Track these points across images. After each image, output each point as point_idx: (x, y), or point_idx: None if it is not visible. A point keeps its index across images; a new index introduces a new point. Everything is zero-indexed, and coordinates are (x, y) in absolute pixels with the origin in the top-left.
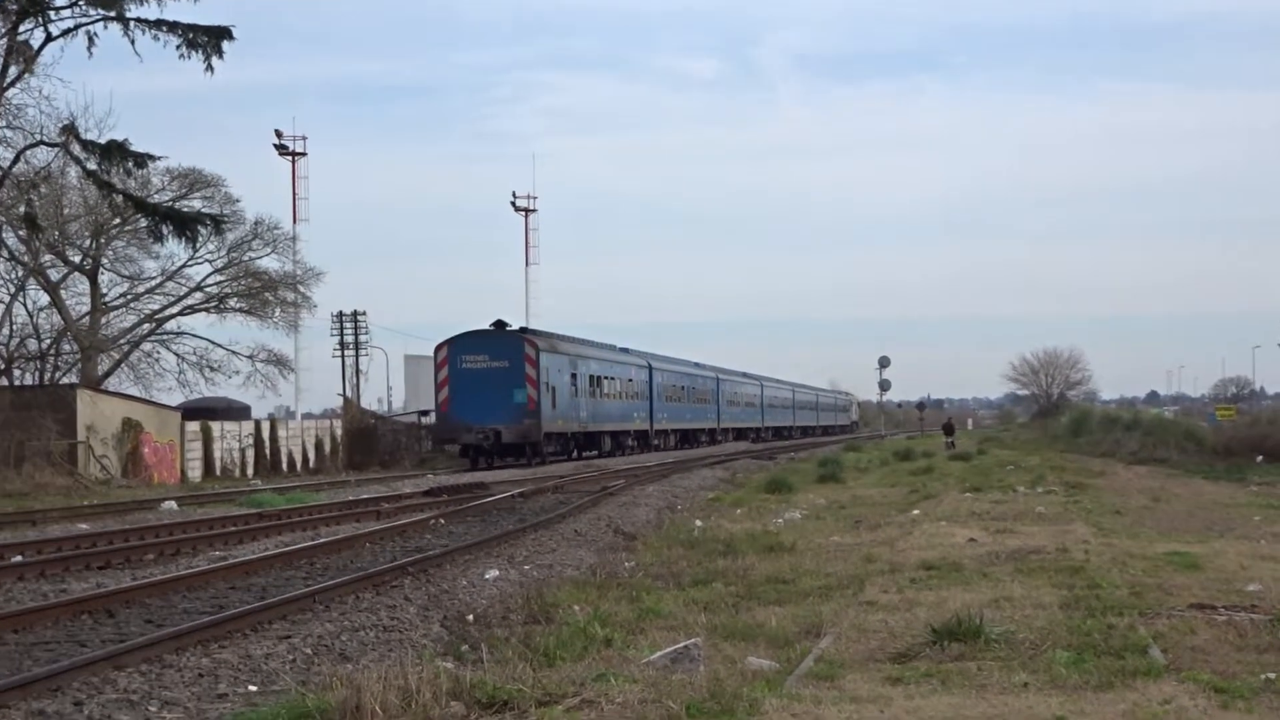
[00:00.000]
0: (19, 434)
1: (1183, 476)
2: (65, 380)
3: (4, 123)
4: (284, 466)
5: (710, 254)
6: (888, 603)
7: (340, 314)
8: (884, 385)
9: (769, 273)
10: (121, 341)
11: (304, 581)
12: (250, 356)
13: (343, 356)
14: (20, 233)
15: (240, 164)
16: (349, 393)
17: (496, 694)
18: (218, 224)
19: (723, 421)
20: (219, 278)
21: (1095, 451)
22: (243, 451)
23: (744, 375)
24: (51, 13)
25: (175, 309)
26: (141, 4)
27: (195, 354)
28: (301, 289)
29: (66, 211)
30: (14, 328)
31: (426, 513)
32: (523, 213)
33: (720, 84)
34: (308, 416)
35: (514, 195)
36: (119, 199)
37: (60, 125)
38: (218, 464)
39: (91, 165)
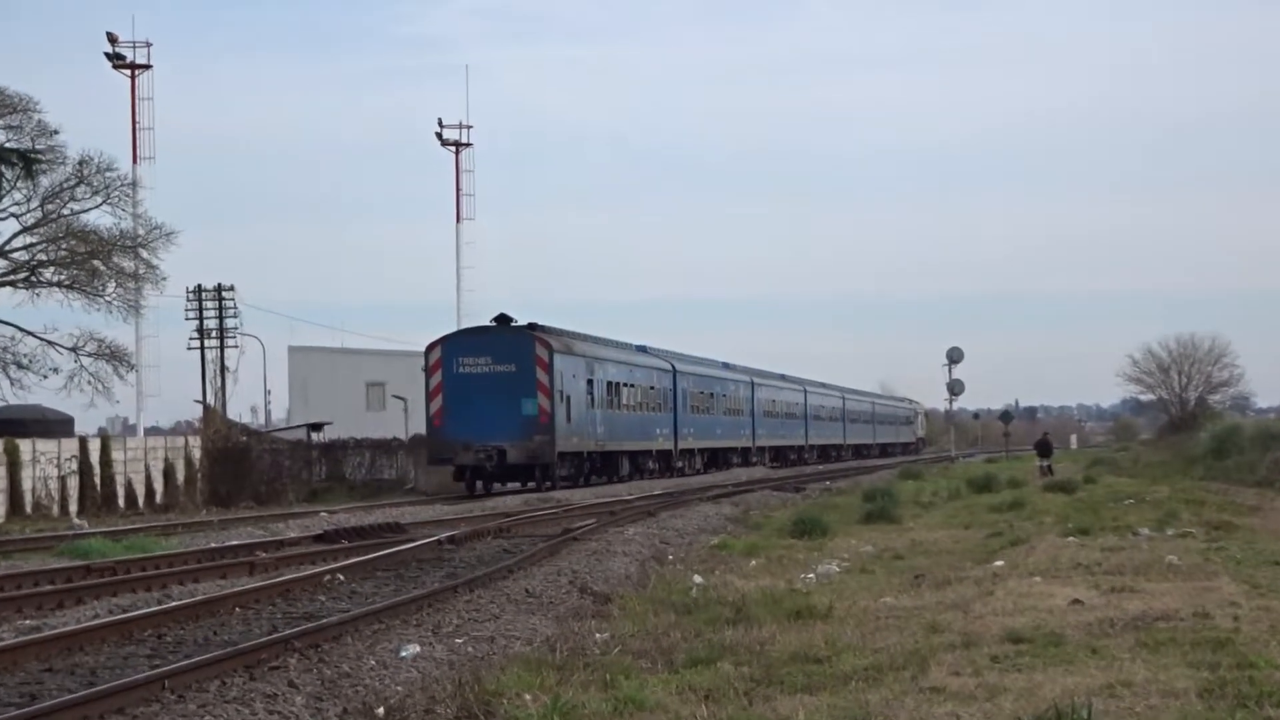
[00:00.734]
0: None
1: None
2: None
3: None
4: (120, 501)
5: (708, 208)
6: (960, 689)
7: (199, 290)
8: (954, 389)
9: (789, 234)
10: None
11: (149, 661)
12: (74, 349)
13: (202, 349)
14: None
15: (60, 81)
16: (211, 399)
17: None
18: (27, 163)
19: (759, 438)
20: (29, 239)
21: (1248, 479)
22: (63, 480)
23: (782, 378)
24: None
25: None
26: None
27: None
28: (145, 255)
29: None
30: None
31: (320, 565)
32: (452, 148)
33: None
34: (153, 432)
35: (440, 124)
36: None
37: None
38: (28, 498)
39: None
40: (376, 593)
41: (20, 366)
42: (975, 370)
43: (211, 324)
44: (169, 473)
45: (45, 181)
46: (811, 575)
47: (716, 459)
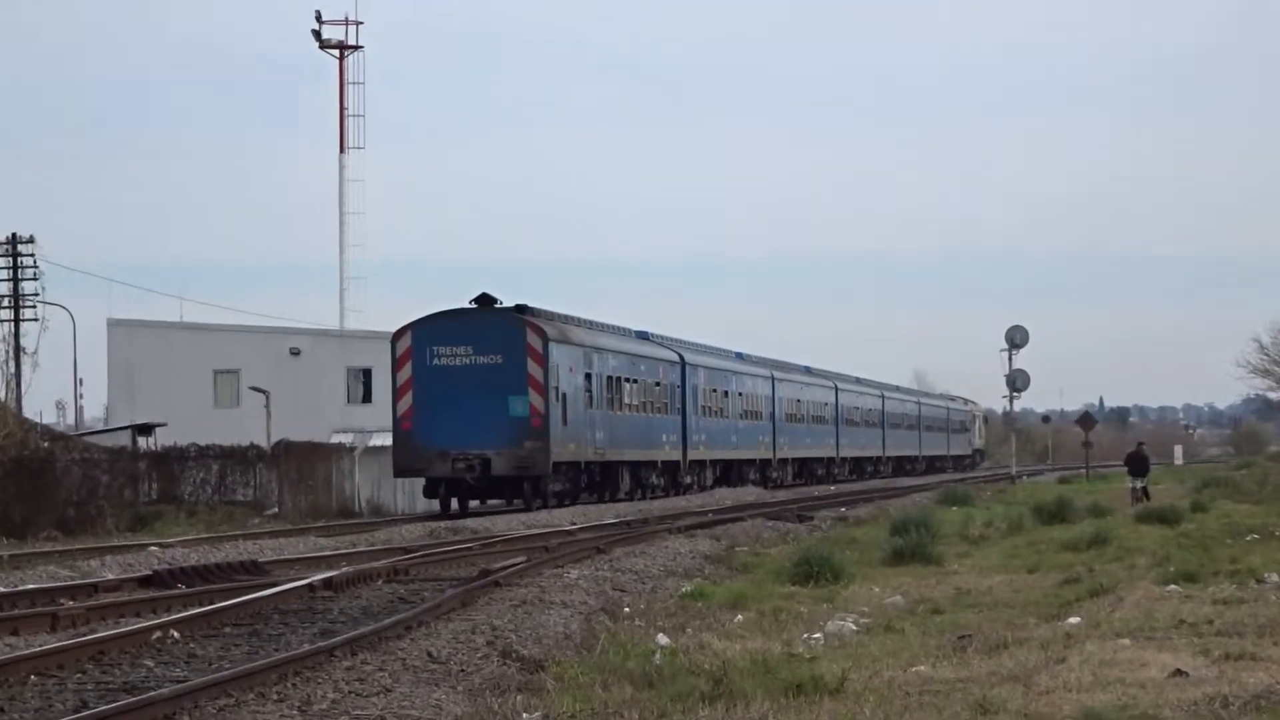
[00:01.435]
0: None
1: None
2: None
3: None
4: None
5: (675, 137)
6: None
7: None
8: (1015, 383)
9: (791, 170)
10: None
11: None
12: None
13: None
14: None
15: None
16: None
17: None
18: None
19: (781, 447)
20: None
21: None
22: None
23: (807, 372)
24: None
25: None
26: None
27: None
28: None
29: None
30: None
31: (147, 618)
32: (335, 51)
33: None
34: None
35: (319, 20)
36: None
37: None
38: None
39: None
40: (224, 656)
41: None
42: (1044, 359)
43: (1, 288)
44: None
45: None
46: (819, 635)
47: (730, 473)
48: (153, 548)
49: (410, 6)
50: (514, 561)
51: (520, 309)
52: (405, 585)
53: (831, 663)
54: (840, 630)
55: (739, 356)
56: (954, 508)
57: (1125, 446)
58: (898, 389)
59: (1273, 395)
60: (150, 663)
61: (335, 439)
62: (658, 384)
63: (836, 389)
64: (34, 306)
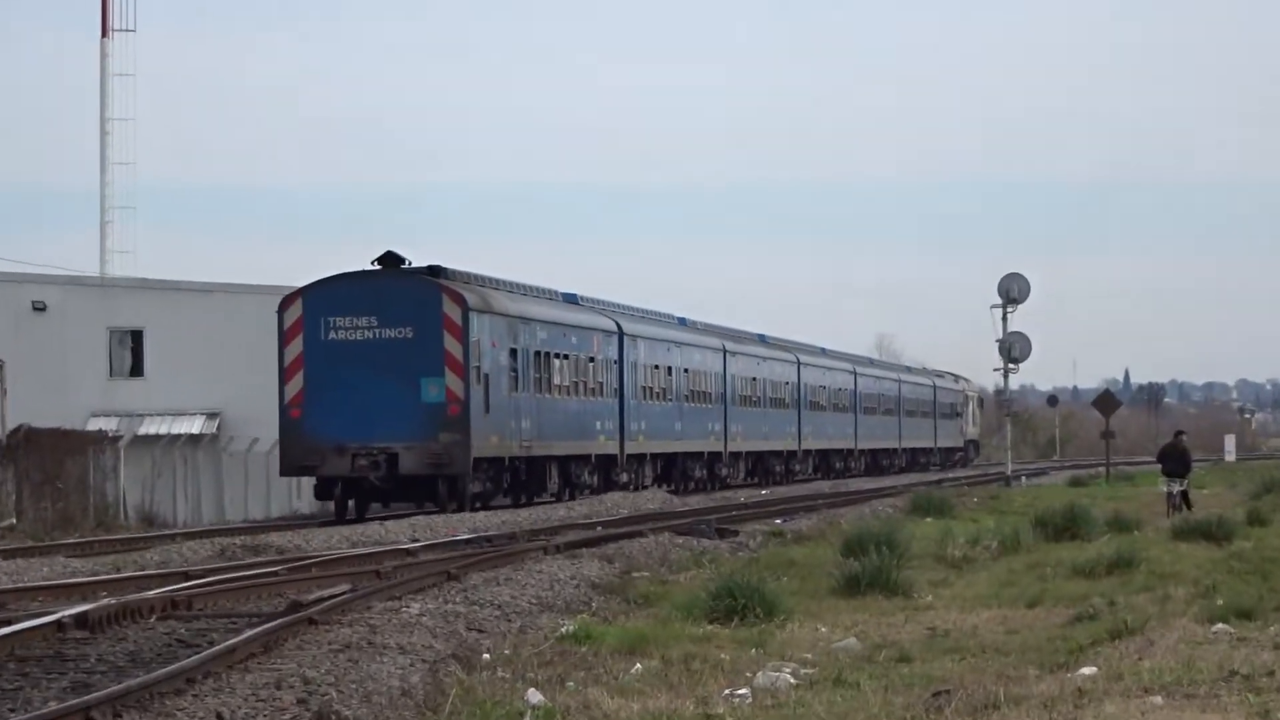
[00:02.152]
0: None
1: None
2: None
3: None
4: None
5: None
6: None
7: None
8: (1011, 351)
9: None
10: None
11: None
12: None
13: None
14: None
15: None
16: None
17: None
18: None
19: (733, 438)
20: None
21: None
22: None
23: (762, 342)
24: None
25: None
26: None
27: None
28: None
29: None
30: None
31: None
32: None
33: None
34: None
35: None
36: None
37: None
38: None
39: None
40: None
41: None
42: (1051, 320)
43: None
44: None
45: None
46: (745, 691)
47: (673, 469)
48: None
49: None
50: (335, 591)
51: (434, 270)
52: (187, 623)
53: None
54: (774, 684)
55: (682, 323)
56: (928, 519)
57: (1159, 437)
58: (872, 363)
59: None
60: None
61: (94, 425)
62: (591, 360)
63: (799, 363)
64: None
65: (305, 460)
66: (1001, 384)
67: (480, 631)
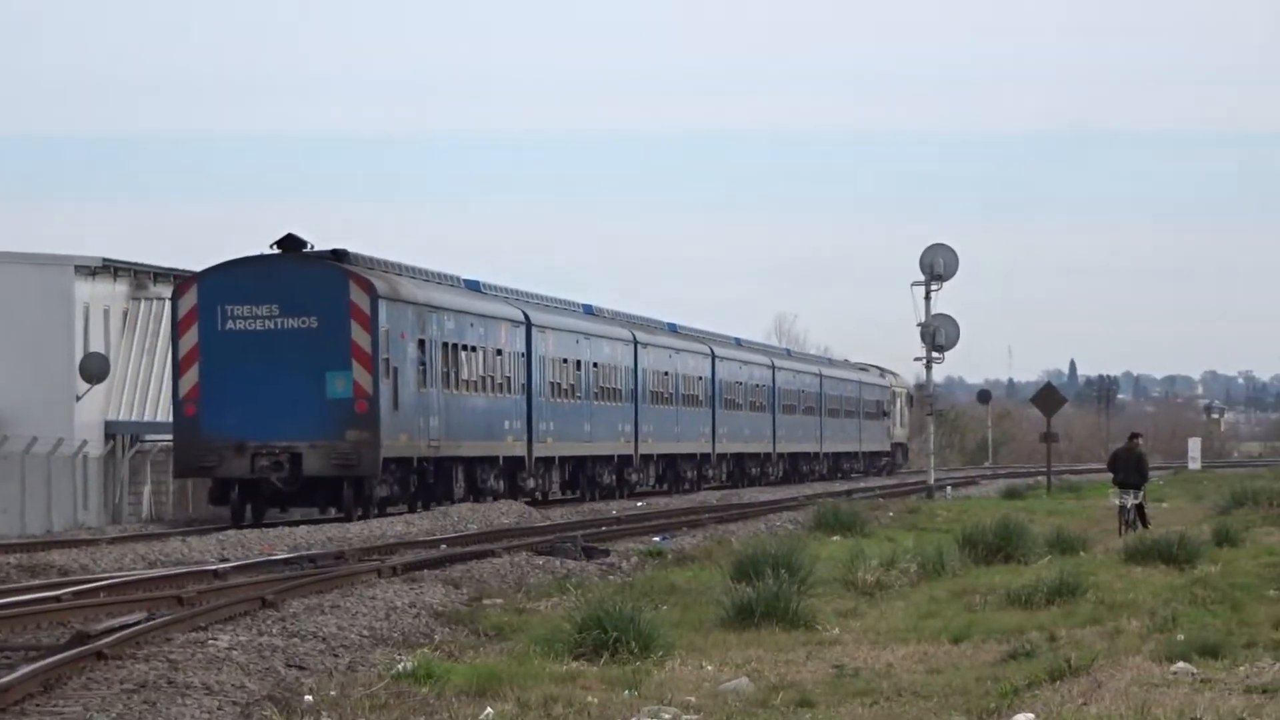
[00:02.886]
0: None
1: None
2: None
3: None
4: None
5: None
6: None
7: None
8: (934, 337)
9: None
10: None
11: None
12: None
13: None
14: None
15: None
16: None
17: None
18: None
19: (643, 439)
20: None
21: None
22: None
23: (673, 332)
24: None
25: None
26: None
27: None
28: None
29: None
30: None
31: None
32: None
33: None
34: None
35: None
36: None
37: None
38: None
39: None
40: None
41: None
42: (982, 302)
43: None
44: None
45: None
46: None
47: (581, 474)
48: None
49: None
50: (128, 620)
51: (338, 255)
52: None
53: None
54: None
55: (588, 311)
56: (835, 537)
57: (1110, 441)
58: (790, 355)
59: None
60: None
61: None
62: (499, 352)
63: (714, 356)
64: None
65: (201, 461)
66: (924, 376)
67: (301, 669)
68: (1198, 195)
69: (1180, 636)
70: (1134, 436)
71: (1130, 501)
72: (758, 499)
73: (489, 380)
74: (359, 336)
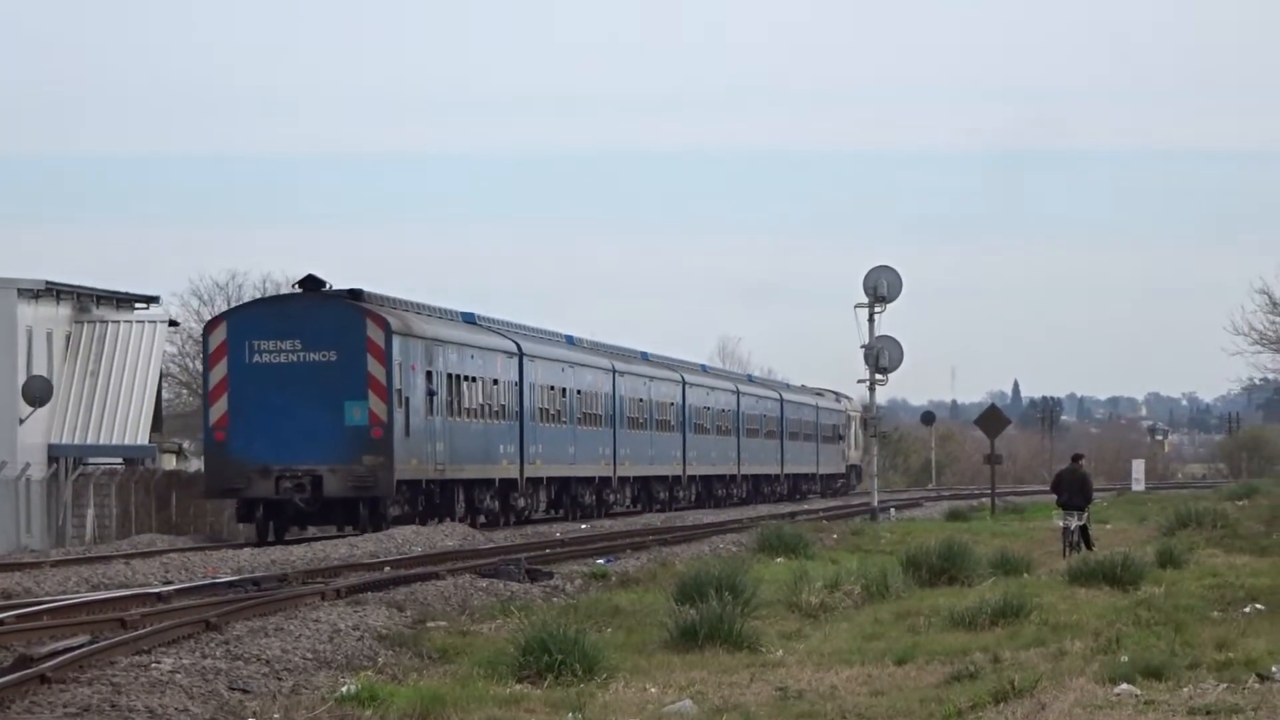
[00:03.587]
0: None
1: None
2: None
3: None
4: None
5: None
6: None
7: None
8: (878, 359)
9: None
10: None
11: None
12: None
13: None
14: None
15: None
16: None
17: None
18: None
19: (621, 462)
20: None
21: None
22: None
23: (645, 360)
24: None
25: None
26: None
27: None
28: None
29: None
30: None
31: None
32: None
33: None
34: None
35: None
36: None
37: None
38: None
39: None
40: None
41: None
42: (927, 323)
43: None
44: None
45: None
46: None
47: (565, 494)
48: None
49: None
50: (72, 644)
51: (355, 294)
52: None
53: None
54: None
55: (570, 341)
56: (779, 559)
57: (1054, 462)
58: (751, 380)
59: None
60: None
61: None
62: (495, 382)
63: (684, 383)
64: None
65: (230, 483)
66: (867, 398)
67: (245, 692)
68: (1141, 216)
69: (1124, 658)
70: (1077, 458)
71: (1074, 523)
72: (703, 520)
73: (487, 407)
74: (374, 369)
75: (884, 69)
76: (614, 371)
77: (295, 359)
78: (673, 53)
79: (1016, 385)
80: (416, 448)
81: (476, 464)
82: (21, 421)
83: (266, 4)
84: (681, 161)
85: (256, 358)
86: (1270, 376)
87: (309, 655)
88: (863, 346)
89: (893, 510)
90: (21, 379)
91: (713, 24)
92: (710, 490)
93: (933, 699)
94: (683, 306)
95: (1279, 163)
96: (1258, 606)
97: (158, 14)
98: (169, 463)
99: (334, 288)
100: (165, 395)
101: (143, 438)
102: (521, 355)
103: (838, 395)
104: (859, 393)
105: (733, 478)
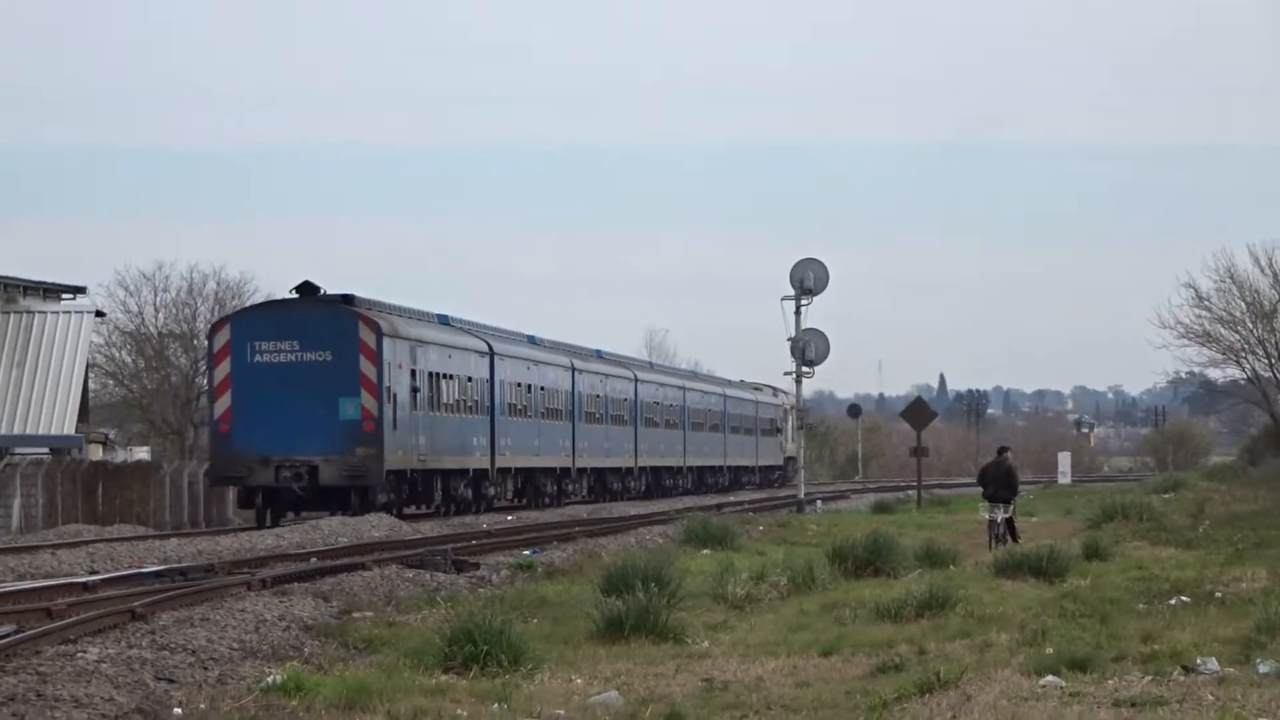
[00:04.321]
0: None
1: None
2: None
3: None
4: None
5: None
6: None
7: None
8: (805, 351)
9: None
10: None
11: None
12: None
13: None
14: None
15: None
16: None
17: None
18: None
19: (580, 454)
20: None
21: None
22: None
23: (600, 358)
24: None
25: None
26: None
27: None
28: None
29: None
30: None
31: None
32: None
33: None
34: None
35: None
36: None
37: None
38: None
39: None
40: None
41: None
42: (853, 316)
43: None
44: None
45: None
46: None
47: (533, 481)
48: None
49: None
50: None
51: (347, 299)
52: None
53: None
54: None
55: (532, 340)
56: (705, 551)
57: (980, 455)
58: (696, 376)
59: (1214, 372)
60: None
61: None
62: (470, 379)
63: (636, 380)
64: None
65: (233, 471)
66: (795, 391)
67: (171, 681)
68: (1067, 209)
69: (1049, 650)
70: (1003, 450)
71: (1000, 516)
72: (628, 512)
73: (463, 403)
74: (366, 368)
75: (810, 62)
76: (573, 369)
77: (294, 359)
78: (603, 48)
79: (943, 378)
80: (403, 440)
81: (453, 455)
82: None
83: None
84: (614, 156)
85: (258, 357)
86: (1196, 370)
87: (235, 645)
88: (789, 339)
89: (819, 503)
90: None
91: (647, 22)
92: (659, 481)
93: (858, 690)
94: (608, 299)
95: (1207, 158)
96: (1183, 599)
97: (80, 6)
98: (95, 453)
99: (327, 293)
100: (91, 386)
101: (69, 428)
102: (493, 354)
103: (775, 390)
104: (784, 383)
105: (679, 469)
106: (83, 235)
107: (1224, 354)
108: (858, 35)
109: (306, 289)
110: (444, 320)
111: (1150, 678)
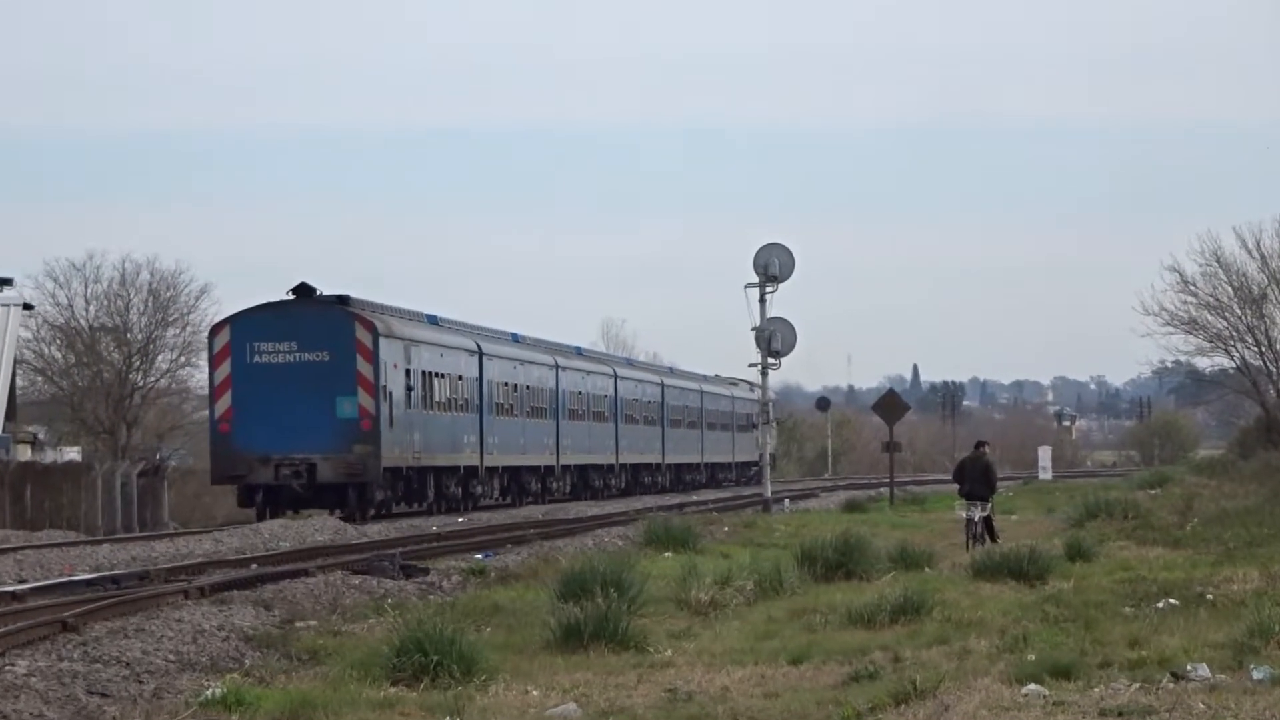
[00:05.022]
0: None
1: None
2: None
3: None
4: None
5: None
6: None
7: None
8: (770, 341)
9: None
10: None
11: None
12: None
13: None
14: None
15: None
16: None
17: None
18: None
19: (563, 451)
20: None
21: None
22: None
23: (579, 355)
24: None
25: None
26: None
27: None
28: None
29: None
30: None
31: None
32: None
33: None
34: None
35: None
36: None
37: None
38: None
39: None
40: None
41: None
42: (822, 306)
43: None
44: None
45: None
46: None
47: (518, 480)
48: None
49: None
50: None
51: (342, 300)
52: None
53: None
54: None
55: (516, 339)
56: (667, 554)
57: (956, 450)
58: (672, 371)
59: (1201, 362)
60: None
61: None
62: (460, 378)
63: (616, 376)
64: None
65: (234, 470)
66: (760, 384)
67: (104, 696)
68: (1047, 195)
69: (1031, 656)
70: (980, 445)
71: (977, 514)
72: (587, 513)
73: (453, 401)
74: (363, 367)
75: (780, 43)
76: (556, 367)
77: (292, 359)
78: (568, 27)
79: (916, 369)
80: (398, 438)
81: (445, 453)
82: None
83: None
84: (572, 142)
85: (257, 358)
86: (1182, 359)
87: (172, 657)
88: (754, 329)
89: (787, 501)
90: None
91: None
92: (637, 478)
93: (830, 701)
94: (560, 287)
95: (1190, 139)
96: (1171, 601)
97: None
98: (23, 453)
99: (323, 294)
100: (20, 383)
101: None
102: (481, 354)
103: (751, 385)
104: (748, 375)
105: (657, 466)
106: (8, 223)
107: (1211, 342)
108: (822, 12)
109: (303, 290)
110: (433, 320)
111: (1138, 685)
